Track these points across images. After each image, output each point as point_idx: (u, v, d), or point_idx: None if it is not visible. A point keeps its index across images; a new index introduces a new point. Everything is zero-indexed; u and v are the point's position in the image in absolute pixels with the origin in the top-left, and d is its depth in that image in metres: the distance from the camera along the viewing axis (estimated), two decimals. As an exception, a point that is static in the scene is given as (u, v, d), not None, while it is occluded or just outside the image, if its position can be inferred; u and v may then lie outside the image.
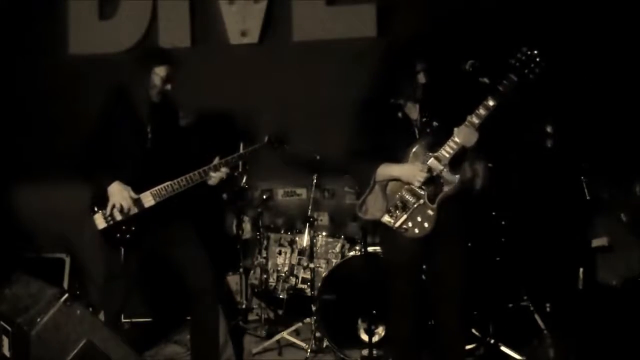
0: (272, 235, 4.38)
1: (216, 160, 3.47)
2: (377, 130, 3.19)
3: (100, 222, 3.33)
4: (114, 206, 3.29)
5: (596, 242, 4.15)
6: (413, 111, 3.20)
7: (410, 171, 3.10)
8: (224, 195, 4.65)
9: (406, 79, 3.12)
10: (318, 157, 4.34)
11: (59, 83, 5.05)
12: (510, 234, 4.16)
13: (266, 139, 3.68)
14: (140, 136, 3.38)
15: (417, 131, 3.17)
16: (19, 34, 5.08)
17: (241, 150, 3.62)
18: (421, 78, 3.11)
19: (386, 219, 3.13)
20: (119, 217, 3.32)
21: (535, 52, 2.98)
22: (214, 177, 3.45)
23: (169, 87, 3.40)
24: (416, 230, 3.11)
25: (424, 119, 3.17)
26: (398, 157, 3.14)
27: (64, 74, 5.06)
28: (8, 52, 5.04)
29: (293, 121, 4.63)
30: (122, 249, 3.34)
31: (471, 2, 4.70)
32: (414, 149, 3.12)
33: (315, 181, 4.37)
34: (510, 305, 4.19)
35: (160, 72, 3.36)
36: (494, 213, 4.16)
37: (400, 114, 3.19)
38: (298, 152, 4.19)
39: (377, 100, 3.22)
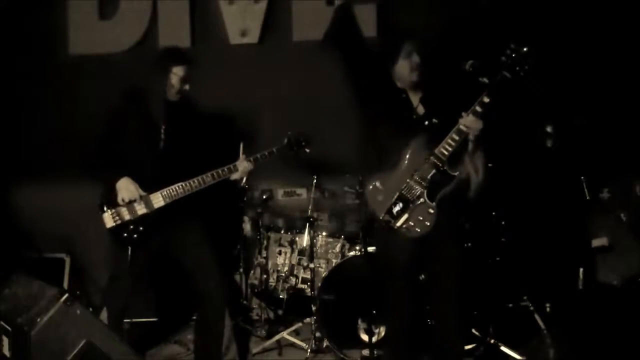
0: (272, 235, 4.39)
1: (242, 158, 3.51)
2: (377, 107, 3.19)
3: (108, 220, 3.34)
4: (122, 200, 3.30)
5: (596, 242, 4.15)
6: (415, 100, 3.20)
7: None
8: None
9: (396, 62, 3.14)
10: (318, 158, 4.33)
11: (59, 83, 5.05)
12: (510, 234, 4.16)
13: (285, 140, 3.68)
14: (153, 137, 3.39)
15: (415, 117, 3.16)
16: (19, 34, 5.08)
17: (241, 151, 3.62)
18: (415, 58, 3.12)
19: (387, 218, 3.13)
20: (127, 216, 3.34)
21: (524, 49, 2.99)
22: (238, 173, 3.49)
23: (187, 87, 3.42)
24: (418, 229, 3.10)
25: (425, 111, 3.17)
26: (396, 140, 3.14)
27: (64, 74, 5.06)
28: (8, 52, 5.04)
29: (293, 121, 4.63)
30: (130, 249, 3.35)
31: (471, 1, 4.70)
32: (411, 147, 3.12)
33: (315, 181, 4.37)
34: (510, 305, 4.19)
35: (178, 72, 3.38)
36: (494, 213, 4.16)
37: (404, 95, 3.19)
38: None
39: (376, 82, 3.23)
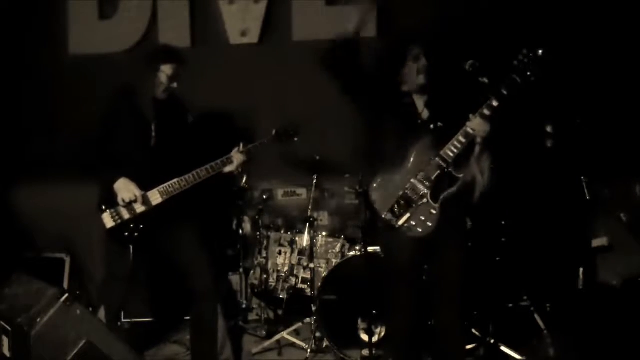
0: (272, 235, 4.38)
1: (236, 150, 3.54)
2: (381, 112, 3.19)
3: (108, 221, 3.36)
4: (123, 201, 3.31)
5: (596, 242, 4.15)
6: (419, 104, 3.20)
7: None
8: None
9: (405, 65, 3.14)
10: (318, 157, 4.34)
11: (59, 83, 5.05)
12: (510, 234, 4.16)
13: (274, 132, 3.70)
14: (144, 134, 3.40)
15: (420, 121, 3.17)
16: (19, 34, 5.08)
17: (241, 147, 3.64)
18: (423, 61, 3.12)
19: (389, 217, 3.13)
20: (126, 215, 3.36)
21: (538, 53, 2.99)
22: (232, 165, 3.52)
23: (175, 85, 3.43)
24: (419, 229, 3.11)
25: (430, 115, 3.17)
26: (401, 145, 3.14)
27: (64, 74, 5.06)
28: (8, 52, 5.04)
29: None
30: (131, 248, 3.36)
31: (471, 2, 4.70)
32: (417, 148, 3.12)
33: (315, 181, 4.37)
34: (510, 305, 4.19)
35: (166, 70, 3.40)
36: (494, 213, 4.16)
37: (408, 100, 3.19)
38: (298, 152, 4.20)
39: (380, 85, 3.23)
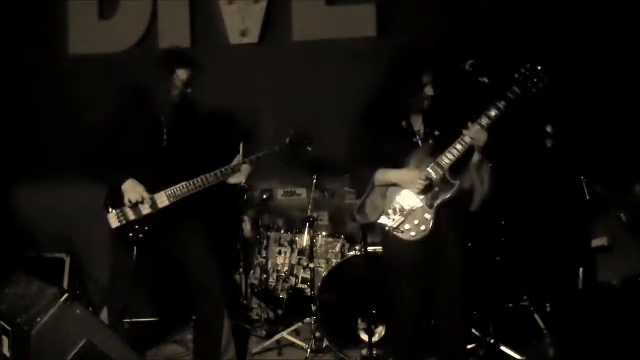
0: (272, 235, 4.38)
1: (237, 160, 3.51)
2: (379, 139, 3.19)
3: (113, 221, 3.36)
4: (129, 202, 3.31)
5: (596, 242, 4.15)
6: (417, 122, 3.21)
7: (409, 177, 3.10)
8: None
9: (412, 90, 3.13)
10: (318, 157, 4.33)
11: (59, 83, 5.05)
12: (510, 234, 4.16)
13: (287, 140, 3.68)
14: (155, 136, 3.41)
15: (420, 142, 3.18)
16: (19, 34, 5.08)
17: (241, 151, 3.63)
18: (429, 90, 3.12)
19: (383, 221, 3.14)
20: (132, 216, 3.35)
21: (539, 67, 3.00)
22: (237, 177, 3.50)
23: (189, 90, 3.44)
24: (413, 234, 3.12)
25: (427, 130, 3.18)
26: (399, 166, 3.15)
27: (64, 74, 5.06)
28: (8, 52, 5.04)
29: (293, 121, 4.62)
30: (135, 249, 3.36)
31: (471, 2, 4.70)
32: (414, 156, 3.14)
33: (315, 181, 4.37)
34: (510, 305, 4.19)
35: (182, 75, 3.40)
36: (494, 213, 4.16)
37: (404, 123, 3.20)
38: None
39: (381, 108, 3.23)
